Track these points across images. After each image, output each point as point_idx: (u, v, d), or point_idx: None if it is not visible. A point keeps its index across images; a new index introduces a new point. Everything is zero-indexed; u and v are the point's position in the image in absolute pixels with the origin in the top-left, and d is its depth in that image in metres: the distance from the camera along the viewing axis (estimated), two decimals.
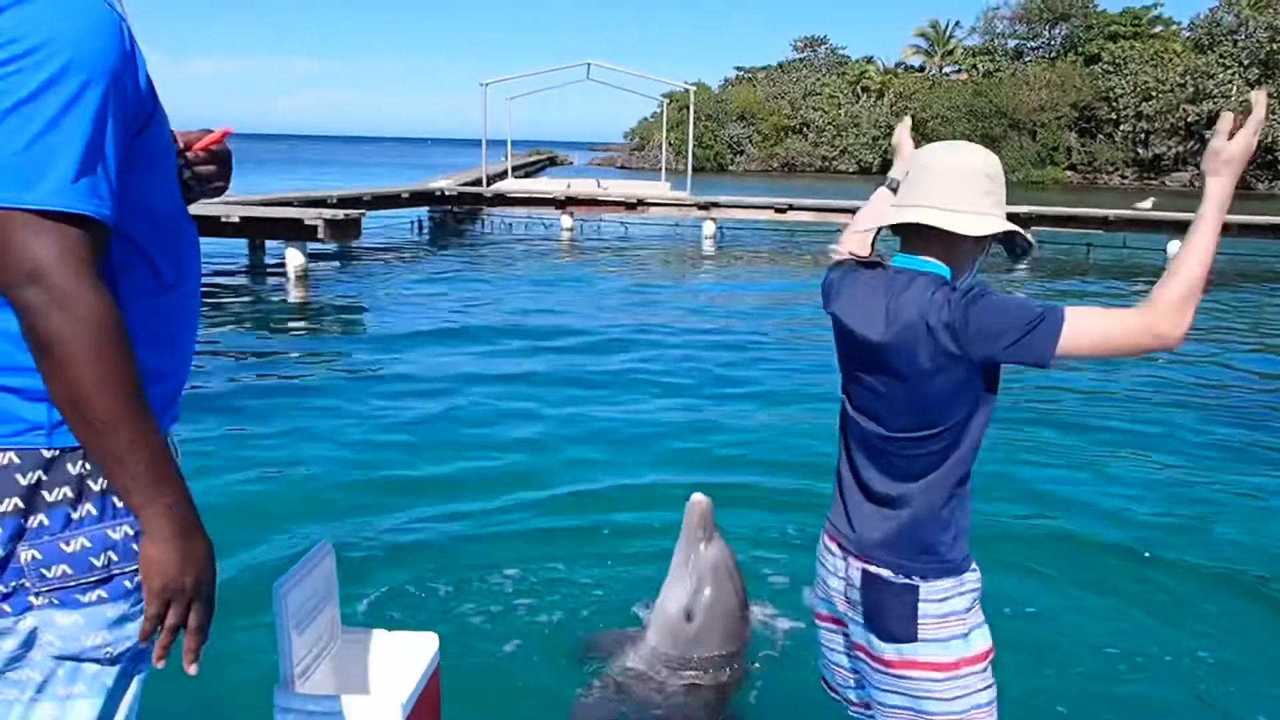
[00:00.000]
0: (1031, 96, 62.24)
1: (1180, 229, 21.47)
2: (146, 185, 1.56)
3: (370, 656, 2.35)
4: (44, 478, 1.49)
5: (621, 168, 70.08)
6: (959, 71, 74.39)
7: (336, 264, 17.18)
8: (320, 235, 15.32)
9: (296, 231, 15.33)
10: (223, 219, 15.08)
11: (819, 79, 74.75)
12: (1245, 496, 6.25)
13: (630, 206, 24.42)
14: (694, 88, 35.51)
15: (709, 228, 23.69)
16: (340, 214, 16.01)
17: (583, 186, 27.84)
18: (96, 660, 1.55)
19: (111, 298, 1.41)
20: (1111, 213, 22.49)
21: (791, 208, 23.60)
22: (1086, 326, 2.01)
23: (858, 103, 71.79)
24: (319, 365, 9.42)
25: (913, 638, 2.18)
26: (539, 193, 26.30)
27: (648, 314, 12.93)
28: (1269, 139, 57.49)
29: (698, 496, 3.53)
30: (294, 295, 13.91)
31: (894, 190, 2.45)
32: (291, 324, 11.90)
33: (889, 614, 2.19)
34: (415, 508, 5.56)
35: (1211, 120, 57.88)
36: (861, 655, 2.31)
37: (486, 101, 28.22)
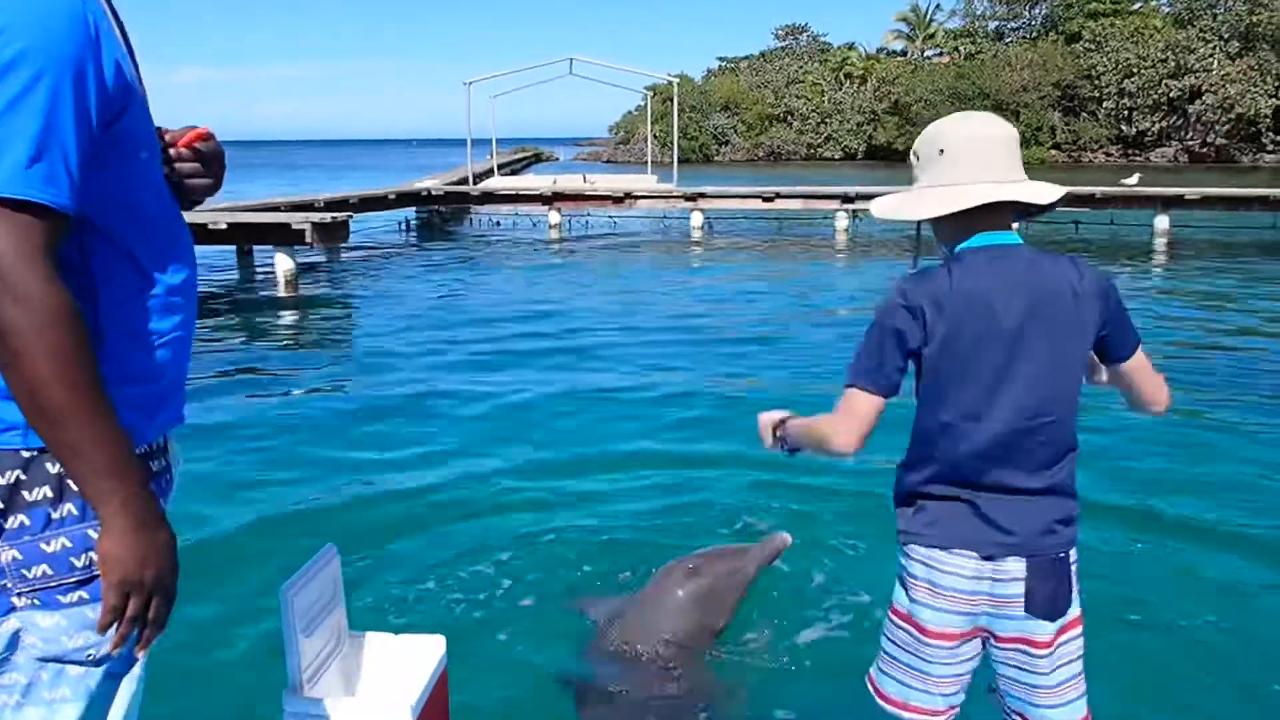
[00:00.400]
0: (1014, 77, 62.25)
1: (1165, 204, 21.54)
2: (125, 180, 1.53)
3: (378, 659, 2.34)
4: (23, 477, 1.47)
5: (607, 162, 69.92)
6: (941, 55, 74.43)
7: (326, 268, 17.12)
8: (308, 239, 15.23)
9: (284, 236, 15.25)
10: (209, 226, 14.99)
11: (801, 67, 74.71)
12: (1217, 458, 6.34)
13: (617, 200, 24.37)
14: (677, 79, 35.48)
15: (697, 218, 23.68)
16: (327, 217, 15.93)
17: (569, 182, 27.78)
18: (79, 662, 1.53)
19: (67, 289, 1.38)
20: (1098, 190, 22.52)
21: (779, 196, 23.59)
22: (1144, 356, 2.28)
23: (841, 89, 71.78)
24: (311, 369, 9.39)
25: (1071, 602, 2.24)
26: (525, 189, 26.24)
27: (638, 304, 12.94)
28: (1251, 111, 57.69)
29: (787, 537, 4.09)
30: (284, 300, 13.87)
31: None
32: (283, 329, 11.87)
33: (1057, 591, 2.20)
34: (412, 504, 5.57)
35: (1194, 95, 58.39)
36: (1017, 647, 2.24)
37: (470, 100, 28.25)
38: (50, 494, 1.48)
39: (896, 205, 2.26)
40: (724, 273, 16.43)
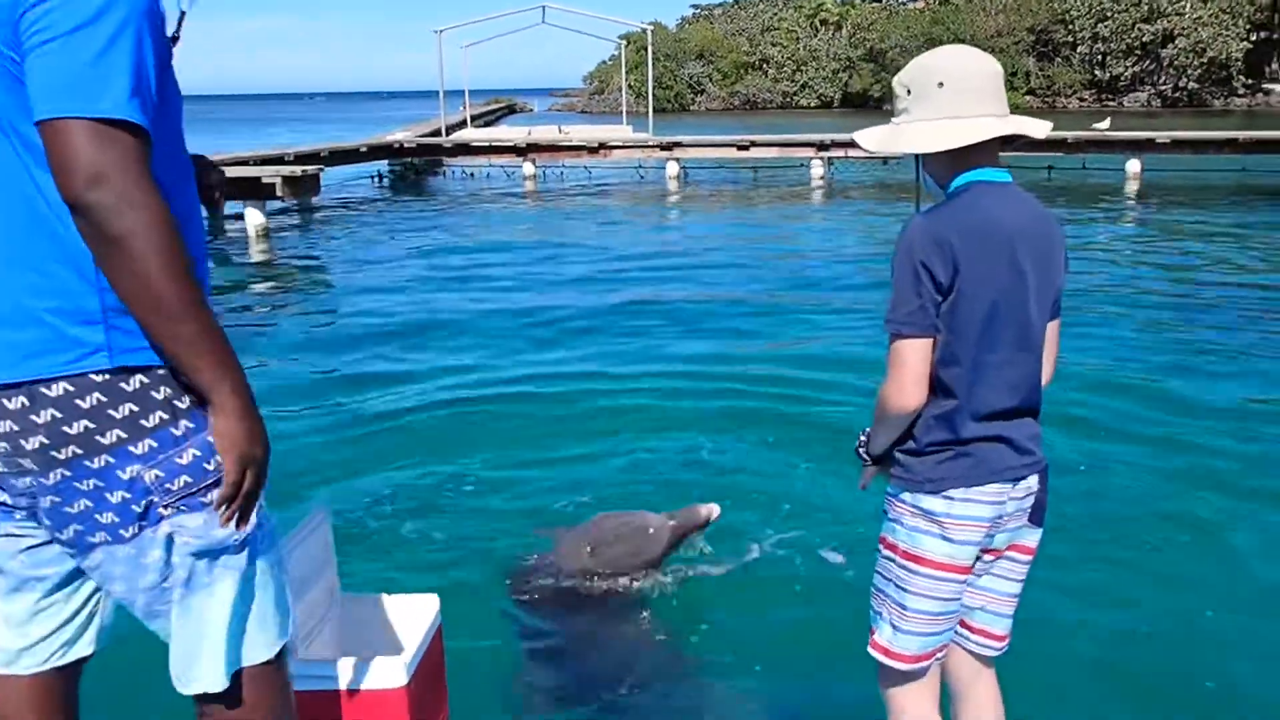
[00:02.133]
0: (989, 22, 61.97)
1: (1136, 147, 21.60)
2: (168, 122, 1.71)
3: (372, 620, 2.34)
4: (135, 409, 1.65)
5: (582, 112, 69.28)
6: (916, 0, 73.88)
7: (297, 221, 16.93)
8: (279, 193, 15.10)
9: (255, 190, 15.09)
10: None
11: (776, 14, 74.06)
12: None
13: (592, 150, 24.18)
14: (651, 28, 35.13)
15: (672, 168, 23.53)
16: (298, 170, 15.78)
17: (543, 133, 27.52)
18: (227, 550, 1.74)
19: (163, 198, 1.56)
20: (1070, 134, 22.53)
21: (753, 144, 23.49)
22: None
23: (816, 36, 71.21)
24: (284, 323, 9.32)
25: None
26: (499, 141, 25.98)
27: (613, 254, 12.89)
28: (1223, 55, 57.66)
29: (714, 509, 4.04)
30: (256, 255, 13.73)
31: None
32: (254, 284, 11.75)
33: (1044, 496, 2.30)
34: (394, 460, 5.56)
35: (1166, 38, 58.12)
36: (1018, 556, 2.33)
37: (441, 50, 27.79)
38: (165, 416, 1.67)
39: (888, 137, 2.20)
40: (704, 226, 16.36)
